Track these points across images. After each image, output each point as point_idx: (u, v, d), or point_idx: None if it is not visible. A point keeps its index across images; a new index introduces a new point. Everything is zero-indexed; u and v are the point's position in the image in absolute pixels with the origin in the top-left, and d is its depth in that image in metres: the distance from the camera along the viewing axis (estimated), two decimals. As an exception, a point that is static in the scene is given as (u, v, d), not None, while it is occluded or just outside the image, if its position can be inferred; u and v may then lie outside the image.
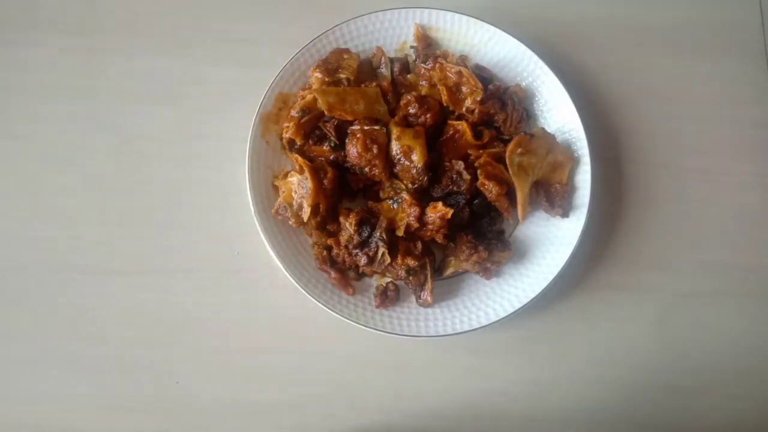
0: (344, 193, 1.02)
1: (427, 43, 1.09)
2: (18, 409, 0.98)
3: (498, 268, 0.99)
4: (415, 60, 1.08)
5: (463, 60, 1.09)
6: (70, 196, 1.06)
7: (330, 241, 0.98)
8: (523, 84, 1.07)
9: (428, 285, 0.95)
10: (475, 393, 1.01)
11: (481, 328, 0.96)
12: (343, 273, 0.99)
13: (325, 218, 0.99)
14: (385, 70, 1.07)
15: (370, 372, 1.01)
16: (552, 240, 1.01)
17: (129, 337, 1.01)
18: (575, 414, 1.01)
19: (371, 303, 0.98)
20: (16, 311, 1.01)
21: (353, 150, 0.96)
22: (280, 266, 0.96)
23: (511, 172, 0.98)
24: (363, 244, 0.96)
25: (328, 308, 0.96)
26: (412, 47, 1.09)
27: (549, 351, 1.03)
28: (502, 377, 1.02)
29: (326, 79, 1.01)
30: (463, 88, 1.02)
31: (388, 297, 0.96)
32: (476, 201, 0.99)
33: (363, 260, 0.96)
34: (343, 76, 1.02)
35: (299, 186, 0.96)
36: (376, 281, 1.01)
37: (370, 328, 0.96)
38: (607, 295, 1.05)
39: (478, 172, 0.96)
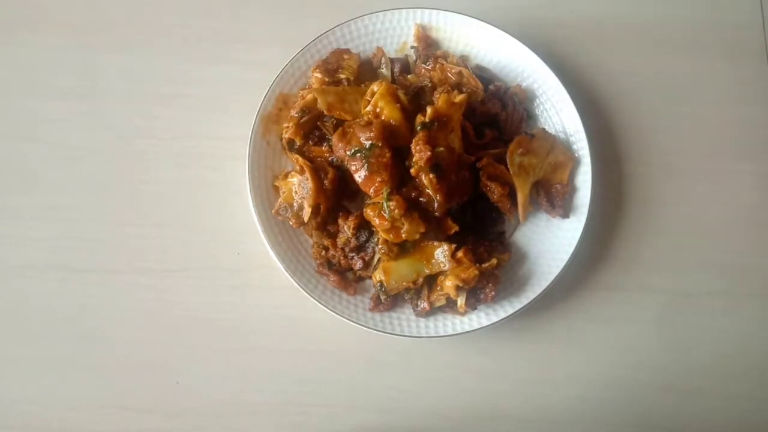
0: (344, 193, 1.02)
1: (427, 44, 1.09)
2: (17, 410, 0.98)
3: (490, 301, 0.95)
4: (416, 60, 1.08)
5: (463, 60, 1.09)
6: (70, 196, 1.06)
7: (327, 243, 0.98)
8: (524, 84, 1.07)
9: (424, 292, 0.95)
10: (474, 393, 1.01)
11: (481, 328, 0.96)
12: (342, 275, 0.99)
13: (326, 219, 0.99)
14: (385, 71, 1.07)
15: (371, 372, 1.01)
16: (552, 240, 1.01)
17: (129, 337, 1.01)
18: (575, 414, 1.01)
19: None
20: (16, 311, 1.01)
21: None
22: (281, 267, 0.96)
23: (511, 172, 0.97)
24: (360, 248, 0.96)
25: (329, 308, 0.96)
26: (412, 47, 1.09)
27: (549, 351, 1.03)
28: (502, 377, 1.02)
29: (326, 79, 1.01)
30: (464, 88, 1.02)
31: (381, 303, 0.96)
32: (478, 202, 0.99)
33: (358, 264, 0.96)
34: (343, 76, 1.02)
35: (300, 186, 0.96)
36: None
37: (370, 328, 0.95)
38: (607, 296, 1.05)
39: (480, 173, 0.96)
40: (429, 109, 0.91)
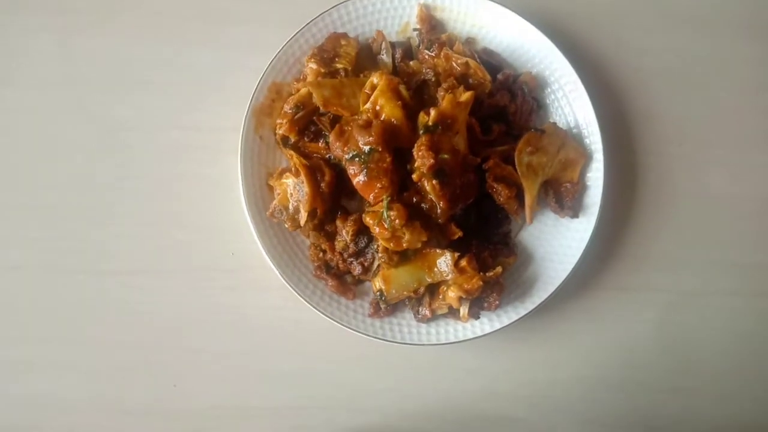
0: (343, 191, 0.96)
1: (431, 25, 1.01)
2: (14, 412, 0.97)
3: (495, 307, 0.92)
4: (419, 45, 1.00)
5: (470, 43, 1.01)
6: (55, 193, 1.01)
7: (325, 246, 0.94)
8: (534, 71, 1.00)
9: (426, 300, 0.91)
10: (476, 395, 0.99)
11: (484, 335, 0.93)
12: (341, 278, 0.95)
13: (323, 220, 0.94)
14: (386, 57, 0.99)
15: (370, 374, 0.99)
16: (560, 242, 0.97)
17: (124, 339, 0.98)
18: (577, 416, 1.00)
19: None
20: (9, 313, 0.98)
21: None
22: (277, 273, 0.92)
23: (519, 173, 0.92)
24: (359, 254, 0.92)
25: (327, 316, 0.92)
26: (415, 30, 1.01)
27: (552, 353, 1.01)
28: (505, 379, 1.00)
29: (322, 70, 0.94)
30: (470, 80, 0.95)
31: (381, 310, 0.93)
32: (483, 202, 0.94)
33: (357, 269, 0.92)
34: (340, 66, 0.95)
35: (295, 189, 0.91)
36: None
37: (370, 336, 0.93)
38: (615, 296, 1.02)
39: (486, 174, 0.91)
40: (433, 112, 0.84)
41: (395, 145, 0.87)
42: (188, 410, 0.97)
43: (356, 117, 0.89)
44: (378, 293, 0.90)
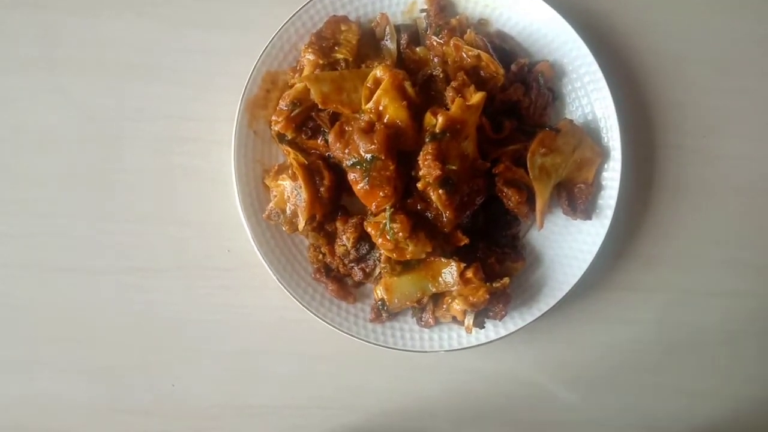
0: (343, 188, 0.90)
1: (440, 6, 0.92)
2: (11, 413, 0.96)
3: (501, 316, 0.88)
4: (426, 29, 0.92)
5: (482, 25, 0.93)
6: (42, 187, 0.95)
7: (324, 249, 0.90)
8: (551, 58, 0.92)
9: (429, 307, 0.88)
10: (477, 395, 0.98)
11: (488, 343, 0.90)
12: (341, 281, 0.91)
13: (323, 223, 0.89)
14: (390, 44, 0.91)
15: (370, 374, 0.97)
16: (571, 244, 0.92)
17: (121, 339, 0.96)
18: (581, 416, 0.98)
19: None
20: (4, 313, 0.95)
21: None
22: (274, 278, 0.89)
23: (531, 176, 0.86)
24: (360, 260, 0.88)
25: (327, 322, 0.90)
26: (422, 11, 0.93)
27: (557, 353, 0.98)
28: (506, 379, 0.98)
29: (320, 62, 0.86)
30: (481, 73, 0.87)
31: (383, 316, 0.89)
32: (492, 204, 0.89)
33: (359, 275, 0.88)
34: (340, 56, 0.87)
35: (292, 193, 0.86)
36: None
37: (371, 342, 0.90)
38: (624, 296, 0.98)
39: (496, 178, 0.85)
40: (440, 118, 0.77)
41: (399, 148, 0.81)
42: (187, 410, 0.96)
43: (358, 116, 0.83)
44: (380, 302, 0.86)
